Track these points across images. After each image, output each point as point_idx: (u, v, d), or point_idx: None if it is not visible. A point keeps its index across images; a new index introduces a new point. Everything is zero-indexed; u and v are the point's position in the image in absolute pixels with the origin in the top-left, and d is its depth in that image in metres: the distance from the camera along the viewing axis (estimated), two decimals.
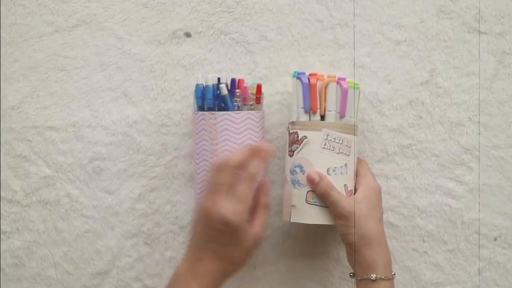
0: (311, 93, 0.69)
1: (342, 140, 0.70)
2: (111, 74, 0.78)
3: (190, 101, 0.77)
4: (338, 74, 0.77)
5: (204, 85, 0.71)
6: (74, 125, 0.78)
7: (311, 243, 0.78)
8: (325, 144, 0.69)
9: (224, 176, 0.63)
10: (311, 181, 0.68)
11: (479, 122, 0.77)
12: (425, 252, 0.78)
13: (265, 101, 0.77)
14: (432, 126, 0.78)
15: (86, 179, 0.78)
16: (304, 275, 0.79)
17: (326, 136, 0.69)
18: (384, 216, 0.78)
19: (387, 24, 0.78)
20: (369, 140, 0.78)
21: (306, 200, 0.69)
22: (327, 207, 0.68)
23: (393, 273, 0.68)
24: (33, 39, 0.78)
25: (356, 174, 0.71)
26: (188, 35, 0.75)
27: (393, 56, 0.78)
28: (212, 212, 0.62)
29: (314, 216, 0.69)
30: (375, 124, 0.78)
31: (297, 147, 0.69)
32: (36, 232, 0.79)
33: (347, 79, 0.70)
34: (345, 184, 0.70)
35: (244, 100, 0.72)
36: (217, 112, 0.71)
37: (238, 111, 0.71)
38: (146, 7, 0.78)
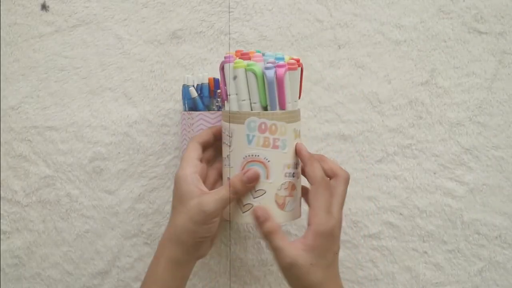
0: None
1: (225, 129, 0.64)
2: (111, 74, 0.78)
3: None
4: (338, 74, 0.77)
5: (186, 86, 0.72)
6: (74, 125, 0.78)
7: None
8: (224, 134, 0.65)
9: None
10: (255, 219, 0.62)
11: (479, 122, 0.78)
12: (425, 252, 0.78)
13: None
14: (432, 126, 0.78)
15: (86, 179, 0.78)
16: None
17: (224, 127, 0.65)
18: (384, 216, 0.78)
19: (387, 24, 0.78)
20: (369, 140, 0.78)
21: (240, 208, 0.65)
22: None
23: None
24: (33, 39, 0.78)
25: (308, 203, 0.63)
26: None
27: (393, 56, 0.78)
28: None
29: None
30: (375, 124, 0.78)
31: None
32: (36, 232, 0.79)
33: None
34: (228, 177, 0.64)
35: (223, 100, 0.70)
36: (193, 112, 0.71)
37: (213, 111, 0.71)
38: (146, 7, 0.78)
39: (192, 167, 0.64)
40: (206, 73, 0.73)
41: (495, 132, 0.78)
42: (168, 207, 0.78)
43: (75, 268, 0.79)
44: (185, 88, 0.72)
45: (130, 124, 0.78)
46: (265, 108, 0.64)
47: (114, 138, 0.78)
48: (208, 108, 0.72)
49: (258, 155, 0.62)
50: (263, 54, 0.65)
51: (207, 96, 0.72)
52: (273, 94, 0.62)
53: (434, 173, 0.78)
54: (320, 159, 0.65)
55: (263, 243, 0.79)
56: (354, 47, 0.78)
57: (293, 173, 0.64)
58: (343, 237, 0.78)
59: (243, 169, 0.62)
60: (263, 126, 0.62)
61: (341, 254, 0.77)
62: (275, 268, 0.79)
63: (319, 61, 0.77)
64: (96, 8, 0.78)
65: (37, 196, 0.79)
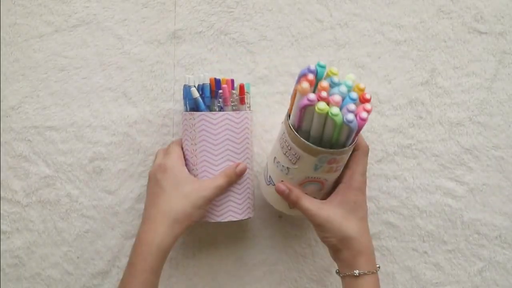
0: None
1: (290, 147, 0.66)
2: (111, 74, 0.78)
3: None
4: (338, 74, 0.77)
5: (188, 86, 0.72)
6: (74, 125, 0.78)
7: (311, 243, 0.79)
8: (281, 138, 0.67)
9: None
10: (280, 194, 0.68)
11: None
12: (425, 252, 0.78)
13: (265, 101, 0.77)
14: (432, 126, 0.78)
15: (86, 179, 0.78)
16: (304, 275, 0.79)
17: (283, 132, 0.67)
18: (384, 216, 0.78)
19: (387, 24, 0.78)
20: (369, 140, 0.78)
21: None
22: None
23: (378, 266, 0.67)
24: (33, 39, 0.78)
25: (345, 166, 0.68)
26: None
27: (393, 56, 0.78)
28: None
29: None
30: (375, 124, 0.78)
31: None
32: (36, 232, 0.79)
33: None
34: (281, 180, 0.68)
35: (225, 100, 0.71)
36: (195, 112, 0.71)
37: (215, 112, 0.71)
38: (146, 7, 0.78)
39: (181, 159, 0.71)
40: (207, 73, 0.73)
41: (495, 132, 0.78)
42: None
43: (75, 268, 0.79)
44: (186, 89, 0.72)
45: (130, 124, 0.78)
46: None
47: (114, 138, 0.78)
48: (209, 108, 0.72)
49: (319, 178, 0.67)
50: (332, 83, 0.63)
51: (209, 97, 0.71)
52: (350, 138, 0.63)
53: (434, 173, 0.78)
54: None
55: (263, 243, 0.79)
56: (354, 47, 0.78)
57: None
58: None
59: (300, 185, 0.67)
60: (332, 160, 0.64)
61: None
62: (275, 268, 0.79)
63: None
64: (96, 8, 0.78)
65: (37, 196, 0.79)
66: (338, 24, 0.78)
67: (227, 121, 0.70)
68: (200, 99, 0.71)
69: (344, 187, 0.67)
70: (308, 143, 0.62)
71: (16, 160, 0.78)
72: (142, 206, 0.78)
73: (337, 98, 0.60)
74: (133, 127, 0.78)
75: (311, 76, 0.62)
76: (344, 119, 0.60)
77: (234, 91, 0.72)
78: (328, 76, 0.64)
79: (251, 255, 0.79)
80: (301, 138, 0.62)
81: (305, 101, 0.61)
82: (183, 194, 0.68)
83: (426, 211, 0.78)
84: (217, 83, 0.72)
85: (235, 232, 0.79)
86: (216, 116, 0.70)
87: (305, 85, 0.61)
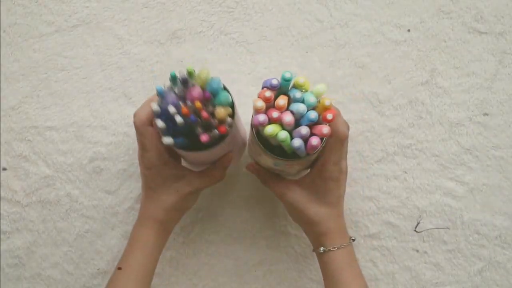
0: None
1: (254, 143, 0.65)
2: (111, 74, 0.78)
3: None
4: (338, 74, 0.77)
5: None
6: (74, 125, 0.78)
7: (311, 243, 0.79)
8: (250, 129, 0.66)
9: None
10: (252, 172, 0.71)
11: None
12: (425, 252, 0.78)
13: None
14: (432, 126, 0.78)
15: (86, 179, 0.79)
16: (304, 275, 0.79)
17: None
18: (384, 216, 0.78)
19: (387, 24, 0.78)
20: (369, 140, 0.78)
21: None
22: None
23: (352, 238, 0.68)
24: (33, 39, 0.78)
25: (321, 152, 0.65)
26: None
27: (393, 56, 0.78)
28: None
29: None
30: (375, 124, 0.78)
31: None
32: (36, 232, 0.79)
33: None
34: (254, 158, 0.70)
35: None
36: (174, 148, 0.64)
37: (191, 153, 0.62)
38: (146, 7, 0.78)
39: (158, 155, 0.67)
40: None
41: (495, 132, 0.78)
42: None
43: (75, 268, 0.79)
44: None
45: (130, 124, 0.78)
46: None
47: (114, 138, 0.78)
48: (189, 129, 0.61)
49: (283, 170, 0.68)
50: (294, 98, 0.59)
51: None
52: (302, 154, 0.62)
53: (434, 173, 0.78)
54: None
55: (262, 243, 0.79)
56: (354, 47, 0.78)
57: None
58: None
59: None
60: (288, 163, 0.64)
61: None
62: (275, 268, 0.79)
63: (319, 61, 0.77)
64: (96, 8, 0.78)
65: (37, 196, 0.79)
66: (338, 24, 0.78)
67: (209, 153, 0.63)
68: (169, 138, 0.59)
69: (315, 174, 0.67)
70: (263, 148, 0.61)
71: (16, 160, 0.78)
72: None
73: (288, 119, 0.57)
74: (133, 127, 0.78)
75: (268, 94, 0.58)
76: (291, 144, 0.58)
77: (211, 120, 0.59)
78: (294, 87, 0.60)
79: (251, 255, 0.79)
80: (259, 142, 0.61)
81: (255, 121, 0.58)
82: (175, 189, 0.68)
83: (426, 211, 0.78)
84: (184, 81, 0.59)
85: (235, 232, 0.79)
86: (195, 154, 0.62)
87: (259, 104, 0.58)
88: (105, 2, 0.78)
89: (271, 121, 0.58)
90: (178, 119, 0.57)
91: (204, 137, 0.58)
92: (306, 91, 0.60)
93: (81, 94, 0.78)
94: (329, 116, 0.58)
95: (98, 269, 0.79)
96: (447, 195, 0.78)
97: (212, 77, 0.59)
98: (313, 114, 0.58)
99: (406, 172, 0.78)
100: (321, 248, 0.68)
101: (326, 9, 0.78)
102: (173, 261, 0.79)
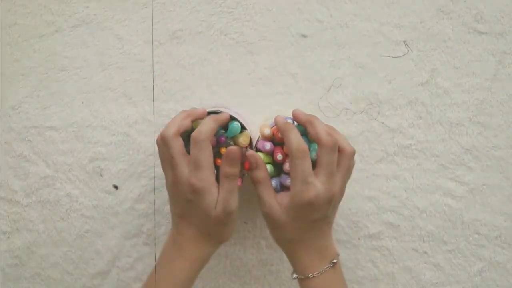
0: None
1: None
2: (111, 74, 0.78)
3: (191, 101, 0.77)
4: (338, 74, 0.77)
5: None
6: (74, 125, 0.78)
7: None
8: None
9: (167, 148, 0.64)
10: (249, 164, 0.65)
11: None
12: (425, 252, 0.78)
13: (266, 102, 0.77)
14: (432, 126, 0.78)
15: (86, 179, 0.78)
16: None
17: None
18: (384, 216, 0.78)
19: (387, 24, 0.78)
20: (369, 140, 0.78)
21: None
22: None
23: (330, 263, 0.64)
24: (33, 39, 0.78)
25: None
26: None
27: (393, 56, 0.78)
28: (178, 182, 0.63)
29: None
30: (375, 124, 0.78)
31: None
32: (36, 232, 0.79)
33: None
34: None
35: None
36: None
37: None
38: (146, 7, 0.78)
39: (213, 175, 0.63)
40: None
41: (495, 132, 0.78)
42: (168, 207, 0.78)
43: (75, 268, 0.79)
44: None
45: (130, 124, 0.78)
46: None
47: (114, 138, 0.78)
48: None
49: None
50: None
51: None
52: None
53: (434, 173, 0.78)
54: (310, 122, 0.64)
55: (262, 243, 0.79)
56: (354, 47, 0.78)
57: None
58: (342, 237, 0.78)
59: None
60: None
61: (341, 254, 0.77)
62: (275, 268, 0.79)
63: (319, 61, 0.77)
64: (96, 8, 0.78)
65: (37, 196, 0.79)
66: (338, 24, 0.77)
67: None
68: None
69: (288, 195, 0.63)
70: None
71: (16, 160, 0.78)
72: (142, 206, 0.79)
73: (279, 157, 0.66)
74: (133, 127, 0.78)
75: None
76: None
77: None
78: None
79: (251, 255, 0.79)
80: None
81: (262, 148, 0.66)
82: (212, 219, 0.64)
83: (426, 211, 0.78)
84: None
85: (235, 232, 0.79)
86: None
87: (267, 132, 0.66)
88: (105, 2, 0.78)
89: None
90: None
91: (238, 182, 0.65)
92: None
93: (81, 94, 0.78)
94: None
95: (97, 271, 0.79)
96: (447, 195, 0.78)
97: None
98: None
99: (406, 172, 0.78)
100: (294, 274, 0.64)
101: (326, 9, 0.77)
102: None
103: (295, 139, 0.62)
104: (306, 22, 0.78)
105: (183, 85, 0.78)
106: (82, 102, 0.78)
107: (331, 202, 0.63)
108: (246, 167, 0.66)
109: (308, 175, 0.61)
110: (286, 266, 0.79)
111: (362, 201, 0.78)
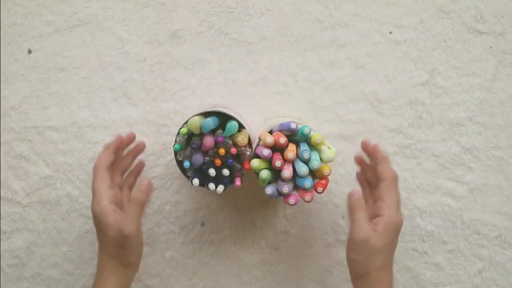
0: None
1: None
2: (111, 74, 0.78)
3: (191, 101, 0.77)
4: (338, 74, 0.77)
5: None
6: (74, 125, 0.78)
7: (311, 243, 0.79)
8: None
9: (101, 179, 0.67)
10: (353, 193, 0.65)
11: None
12: (425, 252, 0.78)
13: (266, 102, 0.77)
14: (432, 126, 0.78)
15: (86, 179, 0.79)
16: (304, 275, 0.79)
17: None
18: None
19: (387, 24, 0.78)
20: (369, 140, 0.78)
21: None
22: None
23: None
24: (33, 39, 0.78)
25: (380, 197, 0.65)
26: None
27: (393, 56, 0.78)
28: (111, 227, 0.65)
29: None
30: (375, 124, 0.78)
31: None
32: (36, 232, 0.79)
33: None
34: None
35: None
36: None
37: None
38: (146, 7, 0.78)
39: (106, 198, 0.66)
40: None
41: (495, 132, 0.78)
42: (168, 207, 0.78)
43: (75, 268, 0.79)
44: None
45: (130, 124, 0.78)
46: None
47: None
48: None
49: None
50: (301, 157, 0.65)
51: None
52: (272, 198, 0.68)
53: (434, 173, 0.78)
54: (386, 159, 0.68)
55: (262, 243, 0.79)
56: (354, 47, 0.78)
57: None
58: (343, 237, 0.78)
59: None
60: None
61: (341, 254, 0.77)
62: (275, 268, 0.79)
63: (319, 61, 0.77)
64: (96, 8, 0.78)
65: (37, 196, 0.79)
66: (338, 24, 0.78)
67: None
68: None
69: (383, 220, 0.63)
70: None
71: (16, 160, 0.78)
72: None
73: (286, 175, 0.63)
74: (133, 127, 0.78)
75: (282, 140, 0.64)
76: (265, 189, 0.64)
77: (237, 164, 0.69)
78: (307, 140, 0.65)
79: (251, 255, 0.79)
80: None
81: (260, 153, 0.64)
82: (110, 240, 0.65)
83: (426, 211, 0.78)
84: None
85: (235, 232, 0.79)
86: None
87: (269, 140, 0.64)
88: (105, 2, 0.78)
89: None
90: (211, 171, 0.66)
91: (238, 182, 0.67)
92: (317, 148, 0.65)
93: (81, 94, 0.78)
94: (320, 189, 0.65)
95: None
96: (447, 195, 0.78)
97: (204, 120, 0.65)
98: (307, 184, 0.64)
99: (406, 172, 0.78)
100: None
101: (326, 9, 0.77)
102: (173, 261, 0.79)
103: (390, 168, 0.66)
104: (306, 22, 0.78)
105: (183, 85, 0.78)
106: (82, 102, 0.78)
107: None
108: (246, 167, 0.66)
109: (400, 202, 0.65)
110: (286, 266, 0.79)
111: None
